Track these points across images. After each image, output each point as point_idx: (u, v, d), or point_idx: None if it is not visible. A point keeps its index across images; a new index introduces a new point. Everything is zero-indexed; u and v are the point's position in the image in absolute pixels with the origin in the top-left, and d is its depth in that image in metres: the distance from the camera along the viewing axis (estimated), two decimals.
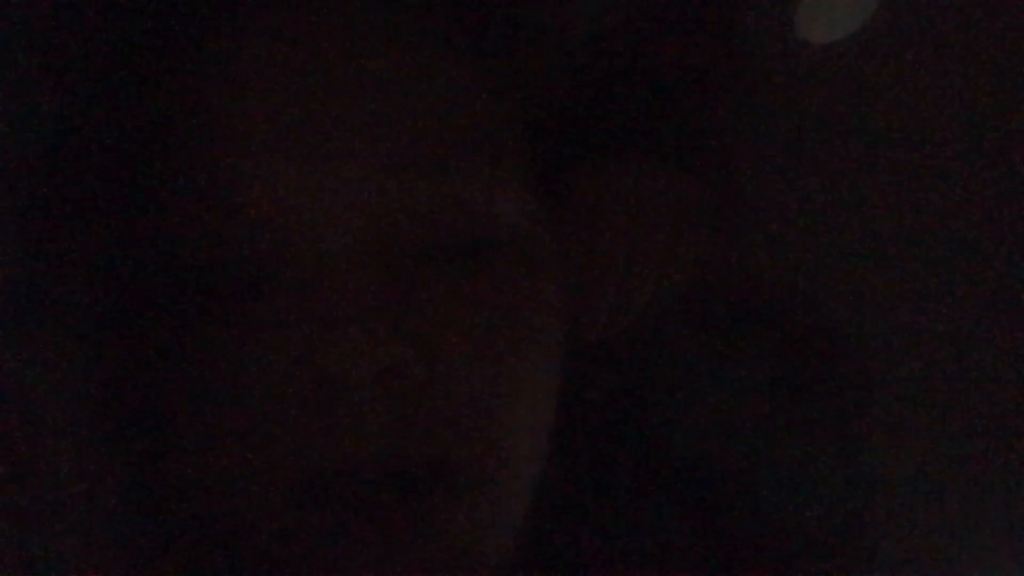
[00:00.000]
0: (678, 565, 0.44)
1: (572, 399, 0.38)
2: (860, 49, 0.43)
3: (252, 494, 0.32)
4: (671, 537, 0.44)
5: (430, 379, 0.32)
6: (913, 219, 0.47)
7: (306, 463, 0.32)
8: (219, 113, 0.33)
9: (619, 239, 0.41)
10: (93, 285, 0.33)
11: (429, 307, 0.33)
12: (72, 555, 0.31)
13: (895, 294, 0.48)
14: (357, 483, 0.32)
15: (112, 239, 0.34)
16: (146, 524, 0.34)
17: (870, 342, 0.48)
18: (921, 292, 0.48)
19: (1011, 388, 0.51)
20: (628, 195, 0.41)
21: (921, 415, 0.50)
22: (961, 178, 0.46)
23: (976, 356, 0.50)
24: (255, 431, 0.32)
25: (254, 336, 0.32)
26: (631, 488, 0.44)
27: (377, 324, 0.31)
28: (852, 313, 0.48)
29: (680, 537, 0.45)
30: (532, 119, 0.39)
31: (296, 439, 0.32)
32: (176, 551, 0.34)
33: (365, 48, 0.34)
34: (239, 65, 0.33)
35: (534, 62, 0.40)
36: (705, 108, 0.44)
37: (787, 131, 0.46)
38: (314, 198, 0.32)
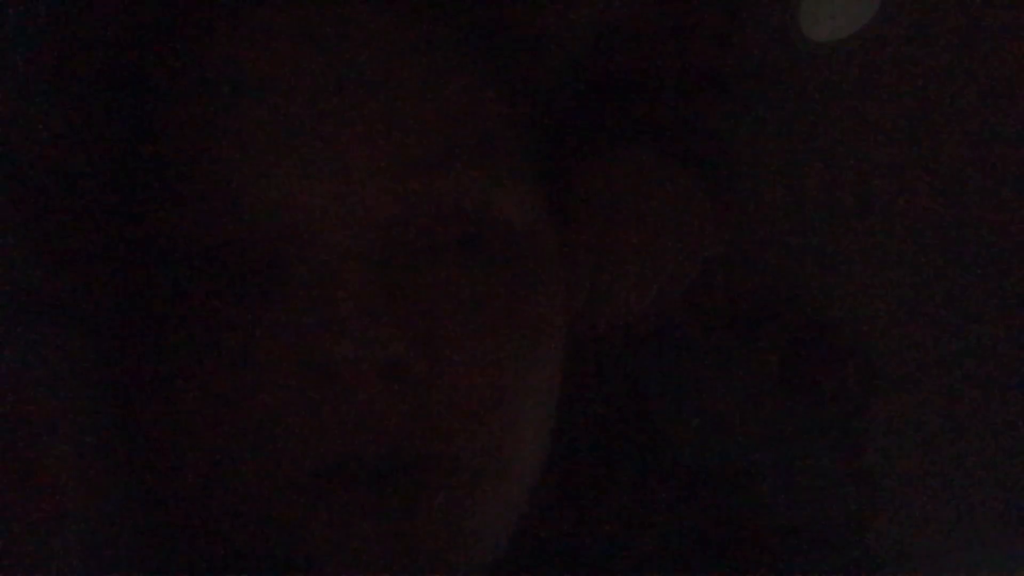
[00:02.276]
0: (678, 564, 0.44)
1: (574, 395, 0.38)
2: (862, 47, 0.43)
3: (255, 488, 0.32)
4: (671, 536, 0.44)
5: (432, 374, 0.32)
6: (915, 218, 0.47)
7: (308, 457, 0.32)
8: (224, 112, 0.33)
9: (625, 235, 0.41)
10: (98, 281, 0.33)
11: (432, 303, 0.33)
12: (74, 554, 0.31)
13: (897, 292, 0.48)
14: (359, 477, 0.32)
15: (116, 236, 0.34)
16: (149, 518, 0.34)
17: (873, 340, 0.48)
18: (923, 291, 0.48)
19: (1012, 388, 0.51)
20: (634, 190, 0.41)
21: (923, 414, 0.50)
22: (963, 177, 0.46)
23: (978, 356, 0.50)
24: (258, 426, 0.32)
25: (257, 332, 0.32)
26: (632, 486, 0.44)
27: (380, 320, 0.31)
28: (854, 312, 0.48)
29: (681, 536, 0.44)
30: (534, 116, 0.39)
31: (299, 433, 0.32)
32: (179, 547, 0.34)
33: (368, 47, 0.34)
34: (243, 64, 0.33)
35: (537, 60, 0.40)
36: (707, 106, 0.44)
37: (789, 129, 0.46)
38: (318, 195, 0.32)
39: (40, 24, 0.31)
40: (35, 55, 0.31)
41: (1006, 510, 0.50)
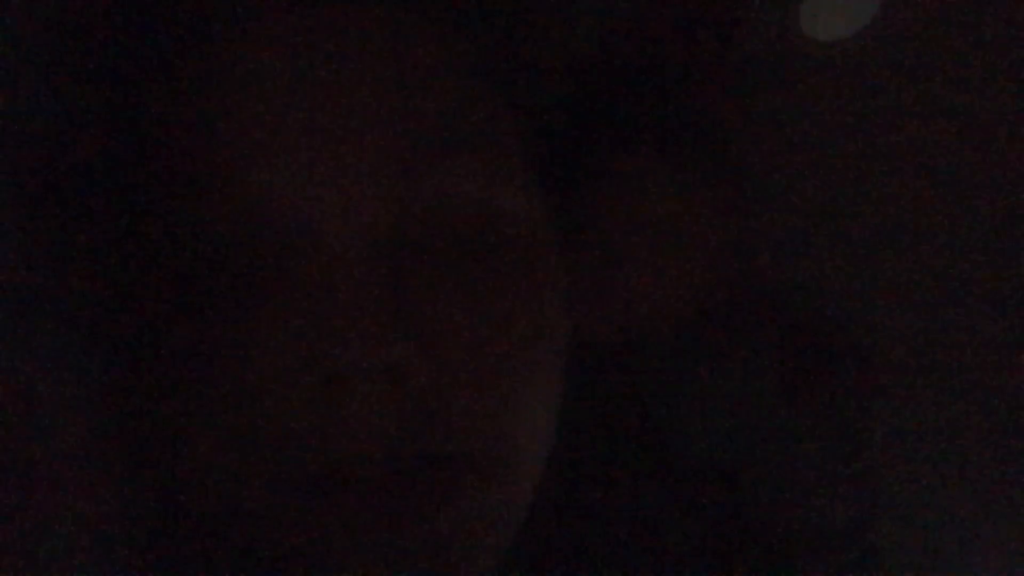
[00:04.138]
0: (679, 564, 0.44)
1: (577, 395, 0.38)
2: (863, 47, 0.43)
3: (256, 490, 0.32)
4: (672, 535, 0.44)
5: (434, 375, 0.32)
6: (916, 217, 0.47)
7: (311, 459, 0.32)
8: (222, 111, 0.33)
9: (632, 237, 0.40)
10: (96, 280, 0.33)
11: (434, 302, 0.33)
12: (74, 554, 0.31)
13: (899, 294, 0.48)
14: (361, 479, 0.32)
15: (117, 235, 0.33)
16: (147, 520, 0.33)
17: (874, 343, 0.48)
18: (925, 292, 0.48)
19: (1013, 388, 0.51)
20: (640, 193, 0.41)
21: (925, 415, 0.50)
22: (963, 176, 0.46)
23: (978, 356, 0.50)
24: (259, 427, 0.32)
25: (258, 333, 0.32)
26: (634, 486, 0.44)
27: (380, 320, 0.31)
28: (856, 314, 0.48)
29: (681, 536, 0.44)
30: (536, 114, 0.38)
31: (300, 435, 0.32)
32: (178, 548, 0.34)
33: (368, 43, 0.33)
34: (241, 61, 0.33)
35: (538, 57, 0.40)
36: (708, 104, 0.44)
37: (790, 128, 0.45)
38: (317, 195, 0.32)
39: (41, 20, 0.31)
40: (36, 51, 0.31)
41: (1007, 510, 0.50)
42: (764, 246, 0.47)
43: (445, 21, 0.36)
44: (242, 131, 0.32)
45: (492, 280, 0.34)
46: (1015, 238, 0.48)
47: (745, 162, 0.46)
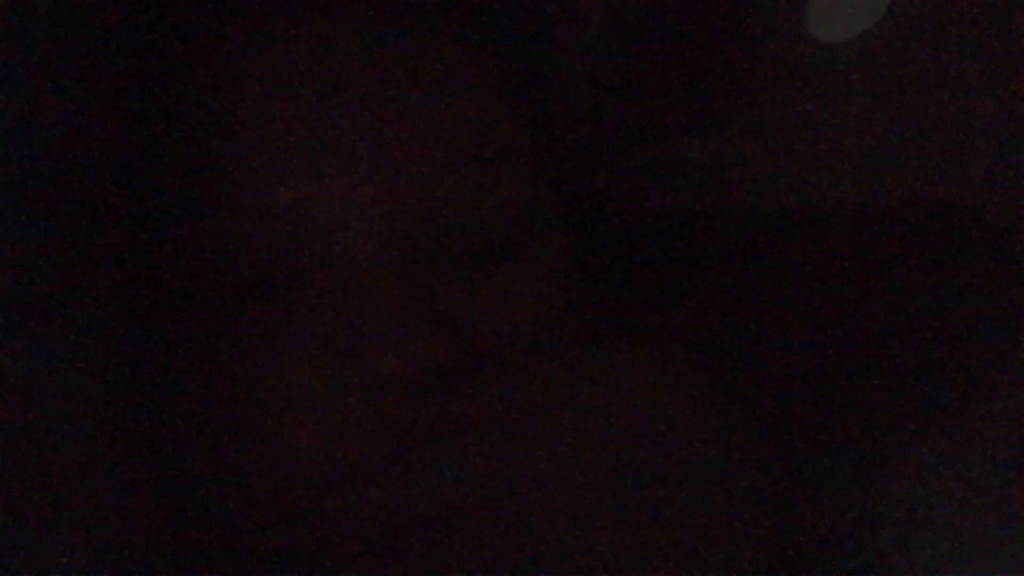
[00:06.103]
0: (681, 563, 0.43)
1: None
2: (871, 48, 0.43)
3: (284, 506, 0.32)
4: (675, 534, 0.44)
5: (476, 379, 0.32)
6: (922, 215, 0.47)
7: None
8: (240, 116, 0.33)
9: None
10: (107, 284, 0.33)
11: (462, 308, 0.33)
12: (74, 555, 0.31)
13: (900, 297, 0.48)
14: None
15: (128, 239, 0.33)
16: (150, 520, 0.33)
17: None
18: (928, 292, 0.47)
19: (1013, 387, 0.50)
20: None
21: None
22: (972, 176, 0.46)
23: (978, 355, 0.50)
24: (288, 444, 0.32)
25: (277, 346, 0.32)
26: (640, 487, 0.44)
27: (419, 328, 0.31)
28: (857, 319, 0.48)
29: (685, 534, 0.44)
30: (547, 119, 0.39)
31: (340, 443, 0.31)
32: (181, 547, 0.34)
33: (383, 52, 0.34)
34: (258, 70, 0.33)
35: (549, 64, 0.40)
36: (717, 106, 0.44)
37: (797, 129, 0.45)
38: (336, 203, 0.32)
39: (47, 21, 0.31)
40: (43, 53, 0.31)
41: (1009, 512, 0.50)
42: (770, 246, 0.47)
43: (459, 29, 0.36)
44: (259, 137, 0.32)
45: (514, 282, 0.34)
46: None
47: (753, 163, 0.46)
